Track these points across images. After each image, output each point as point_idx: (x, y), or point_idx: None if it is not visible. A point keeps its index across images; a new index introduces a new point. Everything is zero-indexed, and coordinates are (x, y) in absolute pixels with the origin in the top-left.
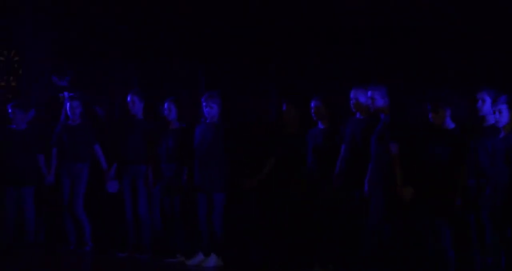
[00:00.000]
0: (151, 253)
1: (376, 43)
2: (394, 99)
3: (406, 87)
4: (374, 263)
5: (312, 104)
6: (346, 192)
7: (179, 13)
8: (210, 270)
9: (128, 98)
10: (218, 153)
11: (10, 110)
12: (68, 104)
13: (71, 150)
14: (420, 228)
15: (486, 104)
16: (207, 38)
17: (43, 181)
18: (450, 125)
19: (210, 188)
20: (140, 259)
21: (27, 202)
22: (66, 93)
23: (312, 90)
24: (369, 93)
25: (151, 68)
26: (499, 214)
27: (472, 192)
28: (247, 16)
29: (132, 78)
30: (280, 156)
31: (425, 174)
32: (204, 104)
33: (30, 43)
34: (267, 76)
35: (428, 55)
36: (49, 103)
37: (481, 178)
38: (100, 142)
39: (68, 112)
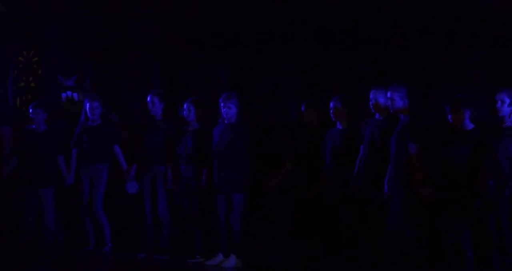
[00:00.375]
0: (170, 254)
1: (396, 44)
2: (413, 100)
3: (425, 88)
4: (394, 263)
5: (331, 105)
6: (365, 192)
7: (200, 13)
8: None
9: (148, 99)
10: (237, 153)
11: (31, 111)
12: (88, 104)
13: (91, 151)
14: (439, 228)
15: (505, 105)
16: (229, 39)
17: (62, 182)
18: (469, 126)
19: (229, 189)
20: (159, 260)
21: (46, 203)
22: (69, 93)
23: (331, 91)
24: (389, 94)
25: (172, 69)
26: None
27: (491, 193)
28: (268, 17)
29: (153, 79)
30: (299, 157)
31: (444, 175)
32: (222, 104)
33: (49, 43)
34: (287, 77)
35: (447, 56)
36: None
37: (500, 179)
38: (120, 143)
39: (88, 113)
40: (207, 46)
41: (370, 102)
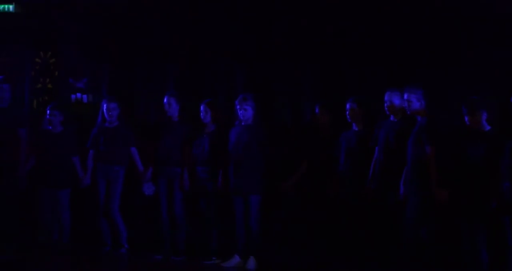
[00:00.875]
0: (187, 255)
1: (412, 45)
2: (430, 102)
3: (441, 89)
4: (410, 264)
5: (347, 106)
6: (381, 194)
7: (216, 15)
8: None
9: (165, 100)
10: (254, 155)
11: (48, 112)
12: (105, 106)
13: (107, 152)
14: (454, 230)
15: None
16: (244, 41)
17: (79, 183)
18: (486, 127)
19: (246, 190)
20: (175, 261)
21: (63, 204)
22: (79, 95)
23: (345, 92)
24: (405, 95)
25: (190, 70)
26: None
27: (507, 194)
28: (284, 19)
29: (169, 80)
30: (313, 159)
31: (460, 176)
32: (238, 107)
33: (66, 45)
34: (302, 78)
35: (464, 57)
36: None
37: None
38: (136, 145)
39: (105, 114)
40: (222, 48)
41: (385, 104)
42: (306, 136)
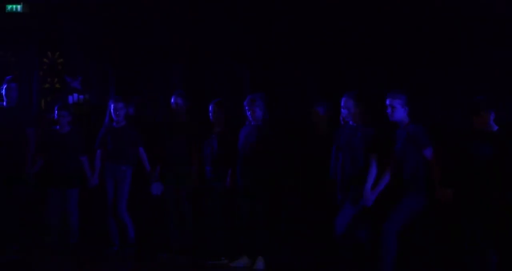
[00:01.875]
0: (194, 255)
1: (412, 45)
2: (429, 102)
3: (441, 89)
4: (414, 265)
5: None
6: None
7: (222, 16)
8: None
9: (172, 100)
10: (261, 155)
11: (56, 113)
12: (112, 106)
13: (115, 152)
14: (460, 230)
15: None
16: (244, 41)
17: (87, 183)
18: (494, 127)
19: (253, 190)
20: (183, 261)
21: (71, 204)
22: (76, 95)
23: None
24: (388, 101)
25: (195, 70)
26: None
27: None
28: (282, 20)
29: (177, 80)
30: (310, 157)
31: (467, 176)
32: (246, 108)
33: (74, 45)
34: (306, 78)
35: (464, 57)
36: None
37: None
38: (144, 145)
39: (112, 114)
40: (223, 48)
41: (342, 110)
42: (306, 135)
